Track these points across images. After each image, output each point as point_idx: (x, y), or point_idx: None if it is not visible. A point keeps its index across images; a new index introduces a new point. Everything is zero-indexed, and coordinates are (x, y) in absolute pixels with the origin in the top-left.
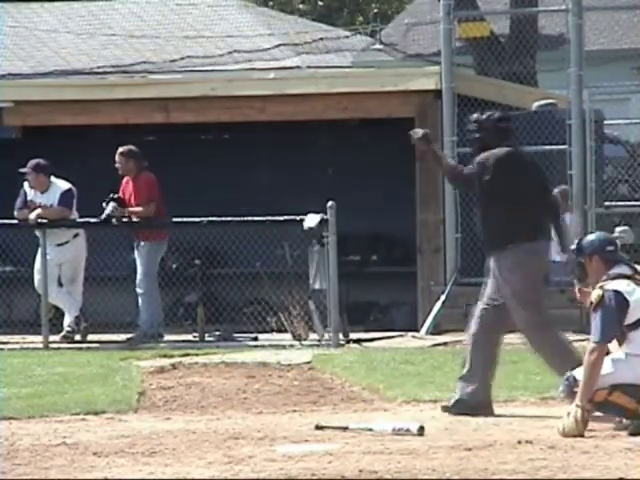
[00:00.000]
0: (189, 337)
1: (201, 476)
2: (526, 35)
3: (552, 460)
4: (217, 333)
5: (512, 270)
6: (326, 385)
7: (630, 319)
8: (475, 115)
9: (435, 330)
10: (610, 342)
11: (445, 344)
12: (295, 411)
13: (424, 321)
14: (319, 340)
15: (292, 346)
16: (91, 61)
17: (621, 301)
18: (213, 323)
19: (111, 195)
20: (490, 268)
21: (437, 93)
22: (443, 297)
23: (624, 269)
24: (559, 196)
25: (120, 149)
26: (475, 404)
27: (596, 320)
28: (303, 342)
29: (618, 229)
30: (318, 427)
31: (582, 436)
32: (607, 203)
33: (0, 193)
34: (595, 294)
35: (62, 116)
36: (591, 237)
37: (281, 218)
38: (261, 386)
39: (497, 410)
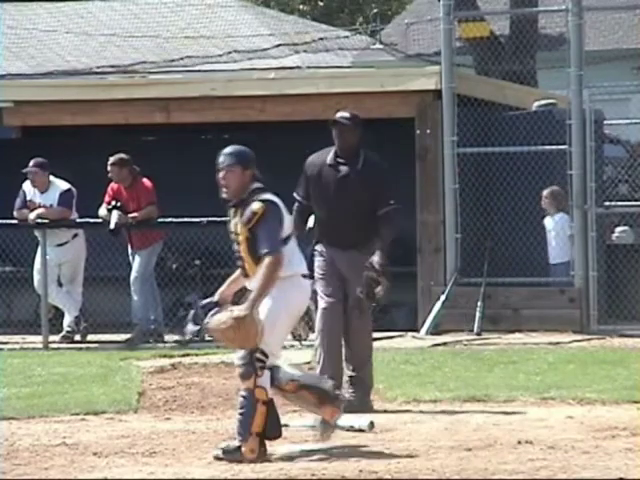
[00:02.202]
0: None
1: (201, 476)
2: (526, 35)
3: (552, 460)
4: None
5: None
6: None
7: (283, 234)
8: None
9: (435, 330)
10: (280, 250)
11: (445, 344)
12: (295, 411)
13: (424, 321)
14: None
15: (292, 346)
16: (91, 61)
17: (280, 213)
18: None
19: (114, 203)
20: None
21: (437, 93)
22: (443, 297)
23: (261, 185)
24: (549, 196)
25: (111, 160)
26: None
27: (263, 231)
28: (303, 342)
29: (618, 229)
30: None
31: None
32: (607, 203)
33: (0, 193)
34: (256, 206)
35: (62, 116)
36: (242, 148)
37: None
38: None
39: (497, 410)
